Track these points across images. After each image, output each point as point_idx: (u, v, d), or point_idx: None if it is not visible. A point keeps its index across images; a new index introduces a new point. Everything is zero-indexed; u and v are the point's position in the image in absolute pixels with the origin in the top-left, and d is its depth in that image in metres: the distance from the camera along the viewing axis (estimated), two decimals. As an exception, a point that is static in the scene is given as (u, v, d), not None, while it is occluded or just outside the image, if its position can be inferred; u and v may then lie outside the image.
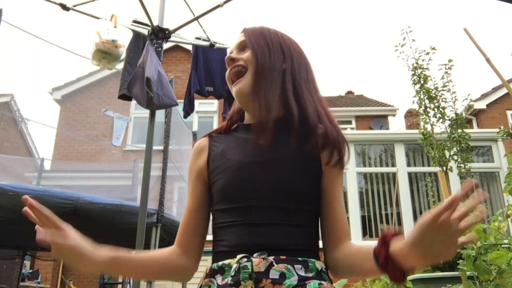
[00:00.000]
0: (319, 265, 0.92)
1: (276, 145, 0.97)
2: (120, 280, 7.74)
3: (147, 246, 3.23)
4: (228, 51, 1.09)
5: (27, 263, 7.99)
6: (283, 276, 0.86)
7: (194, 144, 1.11)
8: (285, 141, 0.97)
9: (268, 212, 0.92)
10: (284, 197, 0.93)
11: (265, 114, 0.97)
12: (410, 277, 3.15)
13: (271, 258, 0.87)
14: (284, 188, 0.93)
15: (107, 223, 3.64)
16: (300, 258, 0.89)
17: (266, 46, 1.01)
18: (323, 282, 0.89)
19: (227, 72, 1.05)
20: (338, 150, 0.98)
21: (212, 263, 0.96)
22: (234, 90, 1.01)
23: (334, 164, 0.97)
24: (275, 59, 1.00)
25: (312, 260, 0.91)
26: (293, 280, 0.86)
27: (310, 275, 0.89)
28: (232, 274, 0.87)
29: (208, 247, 0.95)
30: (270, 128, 0.96)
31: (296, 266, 0.88)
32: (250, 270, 0.86)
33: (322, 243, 0.99)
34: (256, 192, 0.94)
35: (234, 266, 0.87)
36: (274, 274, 0.86)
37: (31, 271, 8.19)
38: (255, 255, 0.88)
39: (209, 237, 0.96)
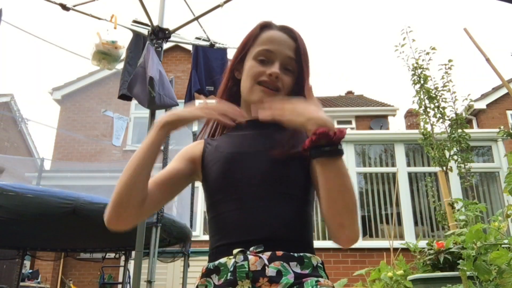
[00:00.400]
0: (315, 260, 0.93)
1: (267, 139, 1.01)
2: (120, 280, 7.74)
3: (147, 246, 3.23)
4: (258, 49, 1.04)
5: (27, 263, 7.99)
6: (279, 273, 0.87)
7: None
8: (277, 133, 0.99)
9: (261, 198, 0.94)
10: (274, 182, 0.95)
11: None
12: (410, 277, 3.15)
13: (267, 254, 0.88)
14: (275, 172, 0.96)
15: (107, 223, 3.64)
16: (296, 255, 0.90)
17: (306, 80, 1.02)
18: (320, 279, 0.89)
19: (256, 73, 1.02)
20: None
21: (209, 262, 0.96)
22: (264, 99, 0.98)
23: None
24: (306, 91, 0.99)
25: (308, 255, 0.92)
26: (290, 277, 0.87)
27: (306, 271, 0.90)
28: (230, 272, 0.87)
29: (205, 247, 0.95)
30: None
31: (291, 263, 0.89)
32: (247, 269, 0.86)
33: (327, 227, 0.93)
34: (248, 178, 0.96)
35: (232, 263, 0.88)
36: (270, 272, 0.87)
37: (31, 271, 8.19)
38: (251, 248, 0.88)
39: (205, 237, 0.96)
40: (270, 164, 0.97)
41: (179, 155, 1.09)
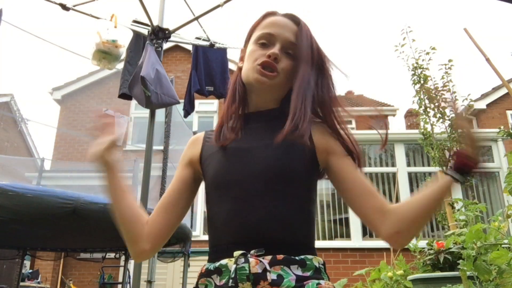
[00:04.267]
0: (316, 262, 0.91)
1: (267, 132, 0.98)
2: (120, 280, 7.74)
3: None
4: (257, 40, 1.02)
5: (27, 263, 7.99)
6: (280, 277, 0.86)
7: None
8: (277, 129, 0.95)
9: (261, 195, 0.92)
10: (274, 179, 0.92)
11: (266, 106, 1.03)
12: (410, 277, 3.15)
13: (268, 258, 0.87)
14: (275, 167, 0.93)
15: (107, 223, 3.62)
16: (297, 258, 0.89)
17: (310, 66, 0.99)
18: (321, 281, 0.88)
19: (257, 55, 0.99)
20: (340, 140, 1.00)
21: (208, 261, 0.95)
22: (261, 80, 0.97)
23: (340, 153, 0.99)
24: (310, 79, 0.99)
25: (310, 257, 0.91)
26: (292, 280, 0.86)
27: (308, 274, 0.89)
28: (232, 275, 0.86)
29: (205, 247, 0.95)
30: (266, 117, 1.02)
31: (292, 266, 0.88)
32: (247, 272, 0.85)
33: (369, 224, 0.95)
34: (247, 176, 0.93)
35: (233, 267, 0.86)
36: (271, 275, 0.86)
37: (31, 271, 8.19)
38: (252, 252, 0.87)
39: (205, 237, 0.96)
40: (270, 160, 0.94)
41: (180, 162, 1.09)
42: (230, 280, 0.86)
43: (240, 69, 1.06)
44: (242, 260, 0.86)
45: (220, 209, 0.95)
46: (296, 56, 0.99)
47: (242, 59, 1.07)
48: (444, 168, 0.86)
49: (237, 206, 0.93)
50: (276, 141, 0.93)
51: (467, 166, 0.89)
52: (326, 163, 0.98)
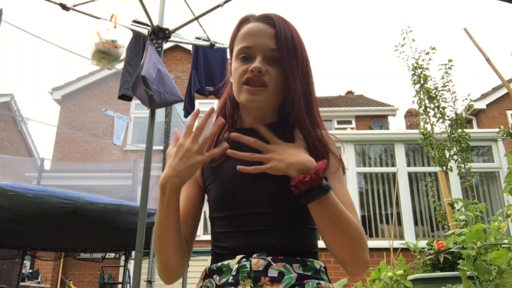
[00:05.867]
0: (317, 264, 0.92)
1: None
2: (120, 280, 7.74)
3: (147, 246, 3.23)
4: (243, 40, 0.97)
5: (27, 263, 7.99)
6: (281, 274, 0.86)
7: None
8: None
9: (264, 218, 0.92)
10: (278, 204, 0.92)
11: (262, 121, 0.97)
12: (410, 277, 3.15)
13: (269, 258, 0.88)
14: (278, 196, 0.92)
15: (107, 223, 3.64)
16: (298, 258, 0.90)
17: (296, 68, 0.95)
18: (321, 282, 0.89)
19: (240, 73, 0.95)
20: (333, 155, 0.98)
21: (211, 264, 0.96)
22: (250, 99, 0.94)
23: (333, 169, 0.97)
24: (298, 81, 0.95)
25: (310, 259, 0.91)
26: (293, 277, 0.87)
27: (309, 273, 0.89)
28: (232, 276, 0.87)
29: (205, 247, 0.95)
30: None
31: (294, 265, 0.88)
32: (249, 269, 0.86)
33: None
34: (250, 199, 0.93)
35: (235, 266, 0.88)
36: (272, 272, 0.86)
37: (31, 271, 8.19)
38: (254, 255, 0.88)
39: (205, 237, 0.96)
40: (271, 182, 0.92)
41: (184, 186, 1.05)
42: (231, 277, 0.87)
43: (231, 84, 1.03)
44: (244, 259, 0.88)
45: (222, 228, 0.96)
46: (284, 60, 0.95)
47: (231, 73, 1.03)
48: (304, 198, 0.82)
49: (239, 227, 0.93)
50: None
51: (302, 184, 0.84)
52: None
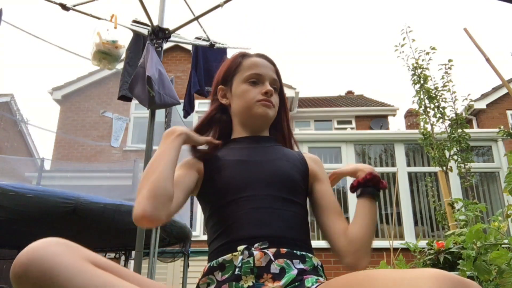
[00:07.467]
0: (316, 261, 0.98)
1: (269, 150, 1.15)
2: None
3: (147, 246, 3.23)
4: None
5: (27, 263, 7.96)
6: (283, 271, 0.90)
7: None
8: (276, 149, 1.17)
9: (269, 200, 1.01)
10: (281, 186, 1.04)
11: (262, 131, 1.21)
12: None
13: (272, 251, 0.91)
14: (281, 178, 1.06)
15: (107, 223, 3.64)
16: (298, 253, 0.95)
17: (284, 98, 1.25)
18: (320, 278, 0.94)
19: (254, 93, 1.16)
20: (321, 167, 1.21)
21: (210, 261, 0.97)
22: (266, 112, 1.15)
23: (325, 175, 1.18)
24: (286, 108, 1.27)
25: (310, 255, 0.97)
26: (293, 273, 0.91)
27: (308, 269, 0.94)
28: (238, 268, 0.89)
29: (205, 247, 0.96)
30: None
31: (294, 261, 0.93)
32: (252, 265, 0.89)
33: (334, 245, 1.05)
34: (256, 183, 1.04)
35: (239, 258, 0.90)
36: (274, 269, 0.90)
37: (31, 271, 8.17)
38: (256, 245, 0.92)
39: (205, 237, 0.97)
40: (276, 170, 1.08)
41: (185, 163, 1.10)
42: (236, 270, 0.89)
43: (224, 104, 1.21)
44: (247, 254, 0.91)
45: (230, 211, 1.00)
46: (278, 90, 1.21)
47: (224, 96, 1.22)
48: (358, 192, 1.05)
49: (247, 208, 0.99)
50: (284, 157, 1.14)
51: (369, 180, 1.08)
52: (311, 186, 1.15)
